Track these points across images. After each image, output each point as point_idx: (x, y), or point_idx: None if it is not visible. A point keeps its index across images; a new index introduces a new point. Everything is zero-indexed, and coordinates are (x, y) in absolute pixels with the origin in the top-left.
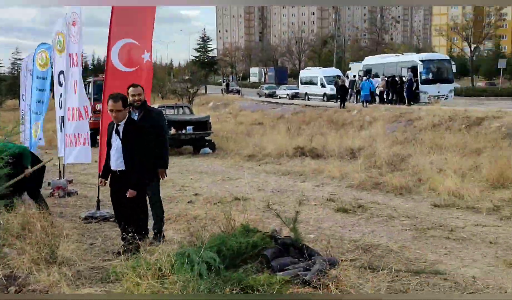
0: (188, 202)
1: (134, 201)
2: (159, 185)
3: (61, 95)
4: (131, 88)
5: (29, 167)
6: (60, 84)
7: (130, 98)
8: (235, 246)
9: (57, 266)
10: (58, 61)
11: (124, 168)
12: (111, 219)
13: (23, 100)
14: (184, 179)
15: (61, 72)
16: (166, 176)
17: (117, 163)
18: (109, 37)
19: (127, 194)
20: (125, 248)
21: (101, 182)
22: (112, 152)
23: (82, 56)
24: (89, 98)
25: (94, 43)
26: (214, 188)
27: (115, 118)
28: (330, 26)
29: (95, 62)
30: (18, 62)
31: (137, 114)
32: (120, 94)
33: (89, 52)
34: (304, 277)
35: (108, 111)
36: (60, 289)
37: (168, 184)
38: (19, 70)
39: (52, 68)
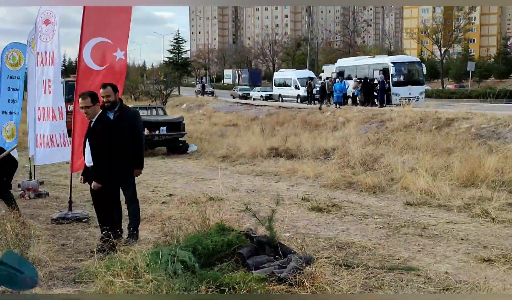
0: (162, 202)
1: (106, 198)
2: (135, 184)
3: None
4: (101, 89)
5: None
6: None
7: (101, 99)
8: (210, 245)
9: (31, 261)
10: (31, 59)
11: (92, 164)
12: (83, 220)
13: None
14: (157, 180)
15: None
16: (140, 174)
17: (89, 158)
18: (81, 37)
19: (92, 186)
20: (100, 247)
21: (81, 179)
22: (87, 148)
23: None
24: None
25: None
26: (188, 189)
27: (86, 114)
28: (303, 29)
29: (67, 62)
30: None
31: (112, 113)
32: (89, 91)
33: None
34: (279, 275)
35: (79, 109)
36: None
37: (141, 185)
38: None
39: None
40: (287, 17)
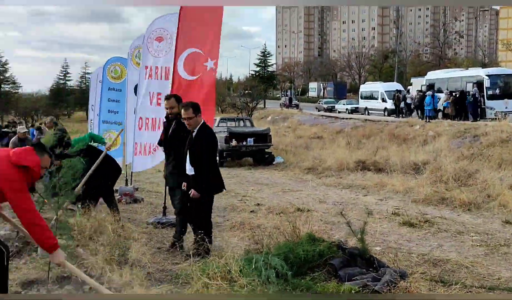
0: (250, 211)
1: (201, 206)
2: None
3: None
4: (165, 101)
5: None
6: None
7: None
8: (302, 254)
9: (128, 267)
10: (135, 73)
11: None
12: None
13: (92, 110)
14: (245, 190)
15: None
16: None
17: (189, 167)
18: (176, 48)
19: (190, 194)
20: (195, 251)
21: (184, 185)
22: (188, 157)
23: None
24: None
25: None
26: (275, 199)
27: (188, 125)
28: (390, 41)
29: None
30: (87, 75)
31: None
32: (191, 102)
33: None
34: (373, 287)
35: (182, 120)
36: (132, 289)
37: (230, 193)
38: (87, 83)
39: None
40: (374, 29)
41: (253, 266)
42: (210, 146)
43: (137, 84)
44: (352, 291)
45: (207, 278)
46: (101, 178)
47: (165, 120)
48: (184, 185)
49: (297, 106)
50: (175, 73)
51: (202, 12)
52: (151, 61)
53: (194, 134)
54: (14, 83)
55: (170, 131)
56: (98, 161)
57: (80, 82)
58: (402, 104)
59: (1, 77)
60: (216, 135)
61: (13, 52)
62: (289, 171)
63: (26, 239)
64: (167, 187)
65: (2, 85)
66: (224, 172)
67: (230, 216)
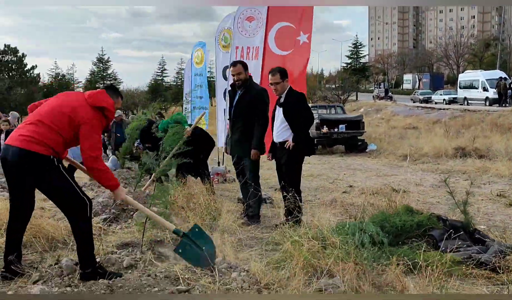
0: (343, 192)
1: (290, 173)
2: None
3: (225, 88)
4: (231, 67)
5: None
6: (225, 78)
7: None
8: (399, 223)
9: (219, 233)
10: (222, 56)
11: (283, 139)
12: (267, 201)
13: (186, 99)
14: (337, 174)
15: (226, 67)
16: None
17: (278, 135)
18: (266, 22)
19: (286, 145)
20: (284, 221)
21: (269, 156)
22: (276, 124)
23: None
24: None
25: None
26: (369, 182)
27: (275, 91)
28: (492, 29)
29: None
30: (182, 71)
31: (239, 91)
32: (278, 67)
33: None
34: (480, 258)
35: (269, 85)
36: (224, 253)
37: (321, 177)
38: (182, 79)
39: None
40: (474, 18)
41: (347, 230)
42: (300, 106)
43: (225, 66)
44: (456, 261)
45: (298, 236)
46: (194, 151)
47: (229, 87)
48: (269, 156)
49: (390, 98)
50: (266, 47)
51: None
52: (242, 41)
53: (282, 99)
54: (115, 79)
55: (237, 98)
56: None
57: (176, 78)
58: (509, 92)
59: (104, 74)
60: None
61: (115, 52)
62: (383, 158)
63: (123, 206)
64: (233, 157)
65: (105, 81)
66: (314, 159)
67: (321, 195)
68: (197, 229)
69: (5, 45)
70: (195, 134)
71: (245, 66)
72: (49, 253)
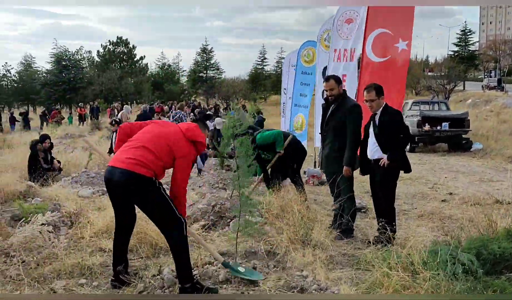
0: (442, 200)
1: (385, 191)
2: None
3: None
4: (324, 83)
5: (281, 151)
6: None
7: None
8: (498, 251)
9: (311, 248)
10: (323, 57)
11: (378, 157)
12: (362, 210)
13: (285, 93)
14: (437, 177)
15: (325, 68)
16: (349, 174)
17: (372, 152)
18: (365, 29)
19: (380, 163)
20: (377, 238)
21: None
22: (370, 140)
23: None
24: None
25: None
26: (471, 188)
27: (371, 108)
28: None
29: None
30: (282, 60)
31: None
32: (374, 84)
33: None
34: None
35: (364, 102)
36: (314, 270)
37: (420, 180)
38: (282, 68)
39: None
40: None
41: (438, 259)
42: (396, 125)
43: (325, 67)
44: None
45: (388, 267)
46: (288, 160)
47: (323, 102)
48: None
49: (502, 88)
50: (364, 54)
51: None
52: (341, 43)
53: (377, 116)
54: (217, 69)
55: (329, 113)
56: (285, 143)
57: (276, 67)
58: None
59: (207, 64)
60: (408, 119)
61: (218, 40)
62: (489, 159)
63: (221, 213)
64: (325, 171)
65: (207, 71)
66: (415, 158)
67: (418, 204)
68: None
69: (117, 37)
70: (289, 145)
71: (338, 81)
72: (151, 260)
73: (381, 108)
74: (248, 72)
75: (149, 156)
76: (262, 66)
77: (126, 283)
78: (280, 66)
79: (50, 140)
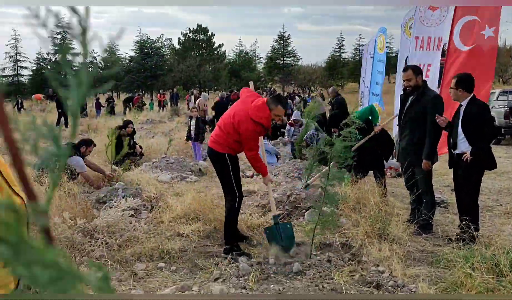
0: None
1: (468, 186)
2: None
3: None
4: (402, 73)
5: (378, 124)
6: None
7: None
8: None
9: (388, 242)
10: (407, 45)
11: (461, 151)
12: (442, 205)
13: (363, 82)
14: None
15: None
16: (428, 168)
17: (457, 145)
18: (453, 17)
19: (463, 158)
20: (458, 236)
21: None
22: (455, 133)
23: (441, 41)
24: None
25: None
26: None
27: (453, 96)
28: None
29: None
30: (360, 47)
31: (412, 96)
32: (461, 75)
33: None
34: None
35: (449, 90)
36: (391, 266)
37: (506, 175)
38: (360, 55)
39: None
40: None
41: None
42: (482, 118)
43: (407, 57)
44: None
45: (471, 268)
46: (374, 152)
47: (402, 92)
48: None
49: None
50: (450, 42)
51: None
52: (423, 31)
53: (462, 108)
54: (294, 56)
55: (408, 104)
56: (368, 136)
57: (353, 54)
58: None
59: (284, 51)
60: (494, 109)
61: (295, 26)
62: None
63: (296, 203)
64: (402, 164)
65: (284, 58)
66: (501, 151)
67: (504, 201)
68: (288, 226)
69: (197, 25)
70: (380, 134)
71: (416, 71)
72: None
73: (468, 99)
74: (325, 59)
75: (220, 134)
76: (339, 53)
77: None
78: (358, 53)
79: (133, 125)
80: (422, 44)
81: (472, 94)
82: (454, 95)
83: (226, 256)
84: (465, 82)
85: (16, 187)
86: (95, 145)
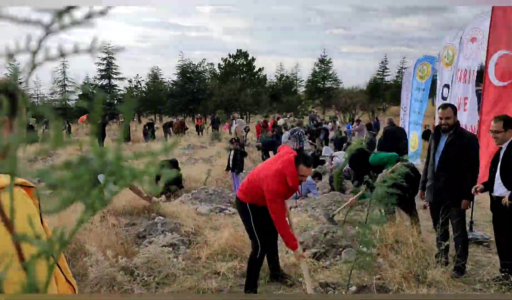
0: None
1: (507, 229)
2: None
3: None
4: (439, 110)
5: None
6: (443, 98)
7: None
8: None
9: (426, 286)
10: (444, 74)
11: (499, 194)
12: (484, 243)
13: (403, 109)
14: None
15: (446, 86)
16: (467, 208)
17: (495, 187)
18: (487, 51)
19: (503, 202)
20: (499, 280)
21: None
22: (495, 175)
23: (474, 73)
24: None
25: None
26: None
27: (495, 139)
28: None
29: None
30: (403, 70)
31: (447, 136)
32: (504, 115)
33: None
34: None
35: (489, 131)
36: None
37: None
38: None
39: (434, 80)
40: None
41: None
42: None
43: (445, 84)
44: None
45: None
46: (403, 188)
47: (433, 130)
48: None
49: None
50: (486, 78)
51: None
52: (464, 63)
53: (502, 150)
54: (335, 79)
55: (445, 143)
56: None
57: (396, 76)
58: None
59: (325, 74)
60: None
61: (338, 48)
62: None
63: (332, 241)
64: (432, 203)
65: (325, 82)
66: None
67: None
68: None
69: (237, 50)
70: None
71: (455, 110)
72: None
73: (508, 141)
74: (367, 82)
75: (246, 184)
76: (382, 76)
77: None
78: (400, 77)
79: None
80: (461, 76)
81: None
82: (502, 138)
83: None
84: (510, 122)
85: (68, 274)
86: None
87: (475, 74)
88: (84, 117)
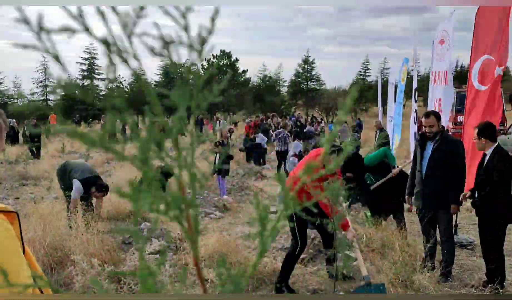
0: None
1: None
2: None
3: (415, 111)
4: (423, 118)
5: (396, 167)
6: (416, 100)
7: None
8: None
9: (413, 291)
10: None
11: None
12: (468, 247)
13: (385, 112)
14: None
15: (415, 89)
16: (455, 212)
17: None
18: (471, 55)
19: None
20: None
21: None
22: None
23: (447, 75)
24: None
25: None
26: None
27: (477, 145)
28: None
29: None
30: (385, 71)
31: (433, 143)
32: (479, 124)
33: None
34: None
35: (473, 139)
36: None
37: None
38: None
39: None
40: None
41: None
42: (503, 168)
43: (416, 88)
44: None
45: None
46: (392, 194)
47: (418, 137)
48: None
49: None
50: (469, 79)
51: (494, 16)
52: (435, 65)
53: (487, 157)
54: (318, 80)
55: (431, 150)
56: (387, 177)
57: (376, 77)
58: None
59: (308, 75)
60: None
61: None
62: None
63: (320, 247)
64: (420, 209)
65: (308, 83)
66: None
67: None
68: (381, 287)
69: (221, 50)
70: (399, 175)
71: (438, 117)
72: None
73: (493, 147)
74: (349, 82)
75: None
76: (363, 77)
77: None
78: (382, 77)
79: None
80: (435, 79)
81: (496, 143)
82: (477, 145)
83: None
84: (486, 131)
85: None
86: (105, 195)
87: (447, 75)
88: (54, 116)
